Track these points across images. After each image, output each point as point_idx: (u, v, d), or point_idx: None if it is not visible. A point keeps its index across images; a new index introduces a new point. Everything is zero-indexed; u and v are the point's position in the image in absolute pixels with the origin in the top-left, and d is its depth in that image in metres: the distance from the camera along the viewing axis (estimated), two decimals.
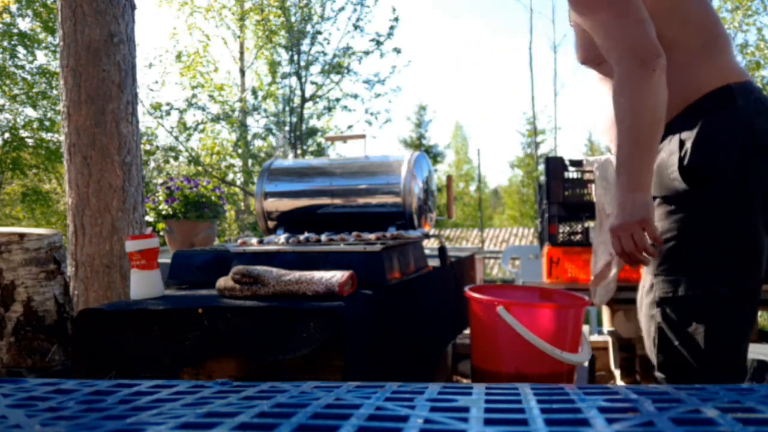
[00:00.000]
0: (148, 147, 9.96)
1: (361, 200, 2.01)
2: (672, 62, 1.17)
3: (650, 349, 1.28)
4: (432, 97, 65.86)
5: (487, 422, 0.51)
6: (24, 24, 10.32)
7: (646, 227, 1.16)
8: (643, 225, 1.15)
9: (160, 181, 7.92)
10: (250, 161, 10.91)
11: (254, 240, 1.83)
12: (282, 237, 1.80)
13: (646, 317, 1.29)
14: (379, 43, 9.68)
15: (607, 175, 2.53)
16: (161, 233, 2.75)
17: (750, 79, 1.26)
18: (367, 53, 9.87)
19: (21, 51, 10.19)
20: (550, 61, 48.77)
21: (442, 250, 2.13)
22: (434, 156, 20.37)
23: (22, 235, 1.38)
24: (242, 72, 11.38)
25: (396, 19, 9.61)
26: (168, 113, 9.94)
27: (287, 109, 10.45)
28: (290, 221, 2.09)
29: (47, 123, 10.42)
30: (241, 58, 11.42)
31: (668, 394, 0.60)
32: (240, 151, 10.52)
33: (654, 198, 1.24)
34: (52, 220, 11.90)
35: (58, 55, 3.51)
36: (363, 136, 2.21)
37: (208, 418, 0.54)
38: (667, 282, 1.23)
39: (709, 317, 1.18)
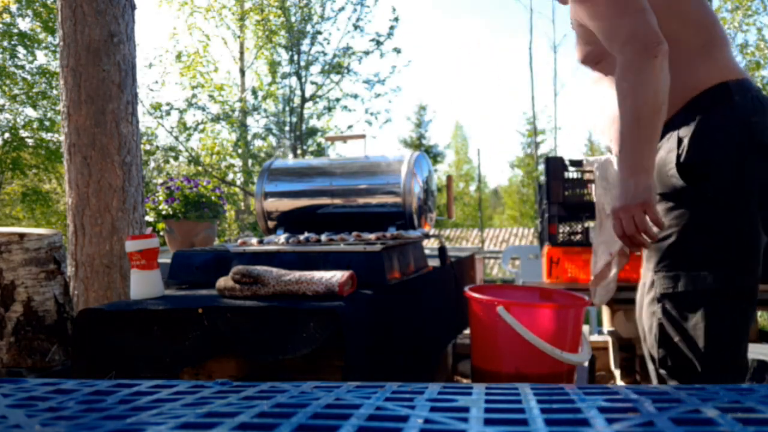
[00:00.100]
0: (148, 147, 9.96)
1: (361, 200, 2.01)
2: (671, 60, 1.17)
3: (652, 346, 1.29)
4: (432, 97, 65.96)
5: (487, 422, 0.51)
6: (24, 24, 10.34)
7: (648, 210, 1.16)
8: (644, 207, 1.16)
9: (160, 181, 7.92)
10: (250, 161, 10.91)
11: (254, 240, 1.83)
12: (282, 237, 1.80)
13: (648, 314, 1.29)
14: (379, 43, 9.68)
15: (607, 175, 2.53)
16: (161, 233, 2.75)
17: (748, 77, 1.27)
18: (367, 53, 9.88)
19: (21, 51, 10.20)
20: (550, 61, 48.80)
21: (442, 250, 2.13)
22: (434, 156, 20.38)
23: (22, 235, 1.38)
24: (242, 72, 11.39)
25: (396, 19, 9.61)
26: (168, 113, 9.94)
27: (287, 109, 10.45)
28: (290, 221, 2.09)
29: (47, 123, 10.42)
30: (241, 58, 11.42)
31: (668, 394, 0.60)
32: (240, 151, 10.52)
33: None
34: (52, 220, 11.90)
35: (58, 55, 3.51)
36: (363, 136, 2.21)
37: (208, 418, 0.54)
38: (667, 278, 1.23)
39: (708, 314, 1.18)
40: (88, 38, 2.30)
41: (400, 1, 22.09)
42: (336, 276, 1.39)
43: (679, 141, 1.22)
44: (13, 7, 9.92)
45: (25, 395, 0.65)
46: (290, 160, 2.24)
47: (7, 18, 9.86)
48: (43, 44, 10.42)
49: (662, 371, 1.26)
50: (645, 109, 1.15)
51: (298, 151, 10.02)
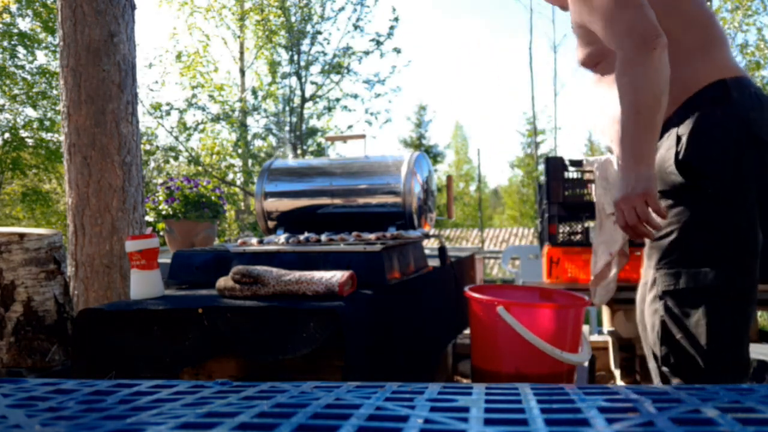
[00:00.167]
0: (148, 147, 9.96)
1: (361, 200, 2.01)
2: (670, 59, 1.18)
3: (654, 343, 1.29)
4: (432, 97, 65.96)
5: (487, 422, 0.51)
6: (24, 24, 10.34)
7: (649, 200, 1.16)
8: (645, 197, 1.16)
9: (160, 181, 7.92)
10: (250, 161, 10.91)
11: (254, 240, 1.83)
12: (282, 237, 1.80)
13: (650, 311, 1.30)
14: (379, 43, 9.68)
15: (607, 175, 2.53)
16: (161, 233, 2.75)
17: (746, 75, 1.28)
18: (367, 53, 9.87)
19: (21, 51, 10.19)
20: (550, 61, 48.76)
21: (442, 250, 2.13)
22: (434, 156, 20.37)
23: (22, 235, 1.38)
24: (242, 72, 11.38)
25: (396, 19, 9.61)
26: (168, 113, 9.94)
27: (287, 109, 10.45)
28: (290, 221, 2.09)
29: (47, 123, 10.42)
30: (241, 58, 11.42)
31: (668, 394, 0.60)
32: (240, 151, 10.52)
33: None
34: (52, 220, 11.90)
35: (58, 55, 3.51)
36: (363, 136, 2.21)
37: (208, 418, 0.54)
38: (668, 275, 1.24)
39: (710, 311, 1.18)
40: (88, 38, 2.30)
41: (400, 1, 22.11)
42: (336, 276, 1.39)
43: (678, 139, 1.22)
44: (13, 7, 9.92)
45: (25, 395, 0.65)
46: (290, 160, 2.24)
47: (7, 18, 9.86)
48: (43, 44, 10.42)
49: (665, 369, 1.26)
50: (645, 101, 1.16)
51: (298, 151, 10.02)
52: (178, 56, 10.07)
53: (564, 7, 1.47)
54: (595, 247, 2.44)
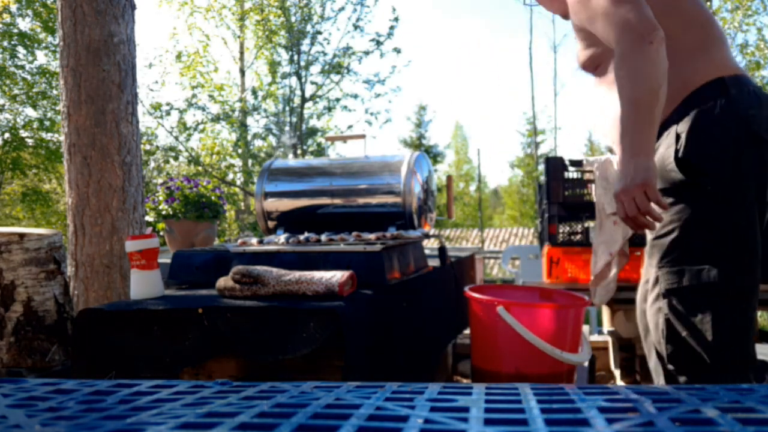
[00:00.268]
0: (148, 147, 9.96)
1: (361, 200, 2.01)
2: (669, 58, 1.18)
3: (659, 342, 1.29)
4: (432, 97, 65.94)
5: (487, 422, 0.51)
6: (24, 24, 10.34)
7: (648, 191, 1.16)
8: (644, 188, 1.16)
9: (160, 181, 7.92)
10: (250, 161, 10.91)
11: (254, 240, 1.83)
12: (282, 237, 1.80)
13: (653, 310, 1.30)
14: (379, 43, 9.68)
15: (607, 175, 2.53)
16: (161, 233, 2.75)
17: (745, 74, 1.28)
18: (367, 53, 9.88)
19: (21, 51, 10.19)
20: (550, 61, 48.75)
21: (442, 250, 2.13)
22: (434, 156, 20.37)
23: (22, 235, 1.38)
24: (242, 72, 11.39)
25: (396, 19, 9.61)
26: (168, 113, 9.94)
27: (287, 109, 10.45)
28: (290, 221, 2.09)
29: (47, 123, 10.42)
30: (241, 58, 11.42)
31: (668, 394, 0.60)
32: (240, 151, 10.52)
33: None
34: (52, 220, 11.90)
35: (58, 55, 3.51)
36: (363, 136, 2.21)
37: (208, 418, 0.54)
38: (671, 273, 1.24)
39: (712, 308, 1.19)
40: (88, 38, 2.30)
41: (400, 1, 22.12)
42: (336, 276, 1.39)
43: (677, 136, 1.23)
44: (13, 7, 9.92)
45: (25, 395, 0.65)
46: (290, 160, 2.24)
47: (7, 18, 9.86)
48: (43, 44, 10.42)
49: (671, 367, 1.26)
50: (643, 94, 1.16)
51: (298, 151, 10.02)
52: (178, 56, 10.07)
53: (565, 15, 1.47)
54: (595, 247, 2.44)
